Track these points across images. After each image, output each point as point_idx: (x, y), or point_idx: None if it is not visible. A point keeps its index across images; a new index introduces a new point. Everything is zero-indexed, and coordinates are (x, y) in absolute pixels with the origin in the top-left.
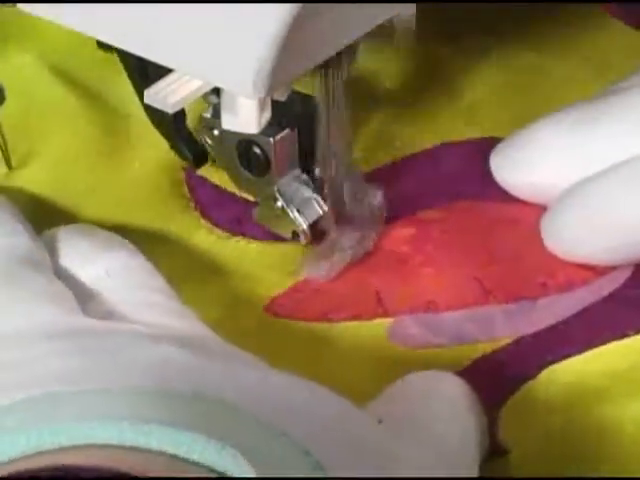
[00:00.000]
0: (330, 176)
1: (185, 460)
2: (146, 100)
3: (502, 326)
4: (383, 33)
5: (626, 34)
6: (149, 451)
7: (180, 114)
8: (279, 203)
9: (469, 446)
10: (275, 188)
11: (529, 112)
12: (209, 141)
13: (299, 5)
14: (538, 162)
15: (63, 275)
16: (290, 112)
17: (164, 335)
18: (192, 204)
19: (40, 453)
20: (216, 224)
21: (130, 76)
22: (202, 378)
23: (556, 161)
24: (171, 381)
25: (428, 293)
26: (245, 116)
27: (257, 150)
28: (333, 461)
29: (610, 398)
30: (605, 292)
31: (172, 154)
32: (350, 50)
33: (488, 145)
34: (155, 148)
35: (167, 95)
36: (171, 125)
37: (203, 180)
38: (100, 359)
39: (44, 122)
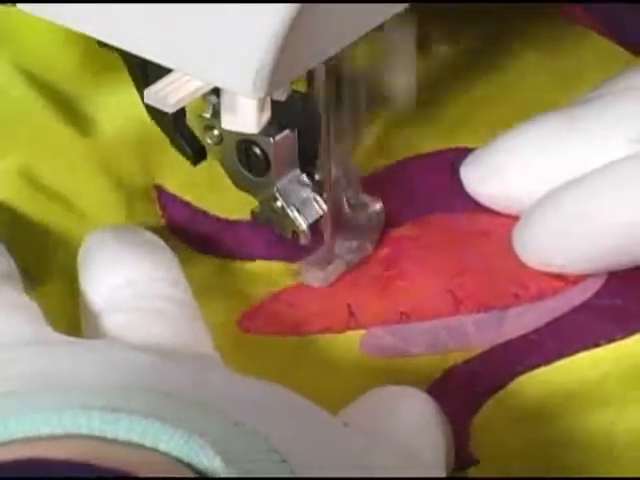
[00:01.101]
0: (330, 177)
1: (153, 449)
2: (146, 100)
3: (474, 336)
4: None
5: (599, 45)
6: (116, 441)
7: (180, 112)
8: (279, 203)
9: (438, 458)
10: (275, 188)
11: (497, 123)
12: (209, 141)
13: (299, 5)
14: (509, 172)
15: (86, 285)
16: (290, 112)
17: (144, 347)
18: (163, 221)
19: (6, 444)
20: (187, 242)
21: (132, 75)
22: (173, 380)
23: (527, 171)
24: (140, 382)
25: (400, 305)
26: (245, 116)
27: (257, 150)
28: (300, 459)
29: (580, 408)
30: (577, 302)
31: (143, 167)
32: (350, 49)
33: (456, 156)
34: (126, 159)
35: (167, 95)
36: (171, 123)
37: (174, 198)
38: (69, 361)
39: (14, 127)
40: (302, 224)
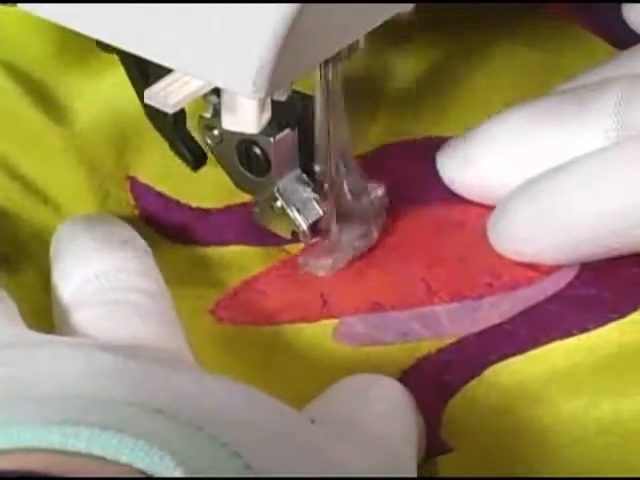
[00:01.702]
0: (330, 173)
1: (115, 462)
2: (146, 100)
3: (447, 325)
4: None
5: (582, 38)
6: (78, 454)
7: (180, 115)
8: (279, 203)
9: (409, 446)
10: (275, 188)
11: (477, 113)
12: (209, 141)
13: (299, 5)
14: (485, 161)
15: (56, 279)
16: (290, 112)
17: (108, 345)
18: (137, 212)
19: None
20: (160, 231)
21: (130, 76)
22: (136, 384)
23: (503, 160)
24: (103, 388)
25: (373, 294)
26: (245, 116)
27: (257, 150)
28: (265, 463)
29: (553, 397)
30: (550, 292)
31: (117, 157)
32: (351, 49)
33: (429, 144)
34: (100, 150)
35: (167, 95)
36: (170, 126)
37: (148, 188)
38: (33, 368)
39: None
40: (302, 224)
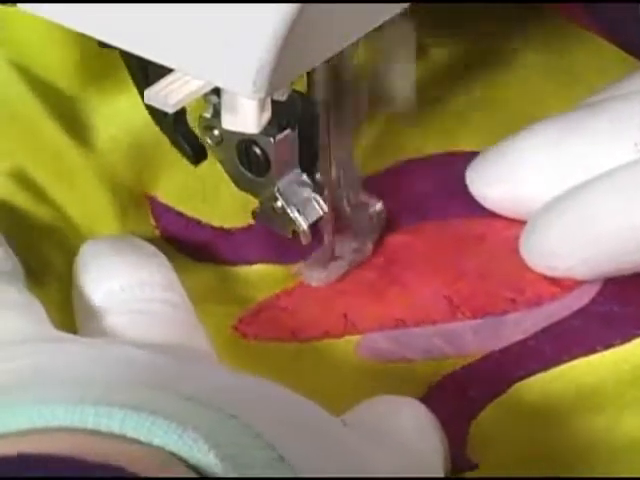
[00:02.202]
0: (330, 177)
1: (147, 444)
2: (146, 100)
3: (471, 342)
4: (384, 102)
5: (598, 46)
6: (111, 435)
7: (180, 112)
8: (279, 203)
9: (437, 455)
10: (275, 188)
11: (494, 125)
12: (209, 141)
13: (299, 5)
14: (516, 176)
15: (84, 288)
16: (290, 112)
17: (139, 344)
18: (157, 232)
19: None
20: (182, 251)
21: (132, 76)
22: (167, 374)
23: (534, 174)
24: (134, 375)
25: (396, 311)
26: (245, 116)
27: (257, 150)
28: (298, 457)
29: (578, 414)
30: (574, 308)
31: (136, 177)
32: (351, 50)
33: (453, 160)
34: (120, 169)
35: (167, 95)
36: (171, 123)
37: (168, 208)
38: (65, 357)
39: (9, 127)
40: (302, 224)
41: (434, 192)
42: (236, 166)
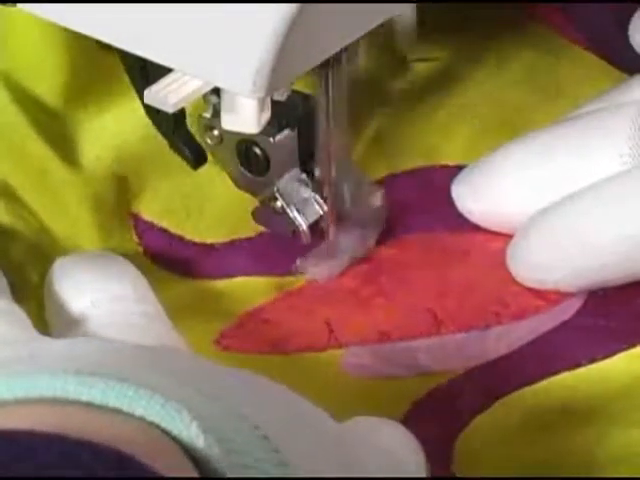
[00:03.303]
0: (330, 177)
1: (130, 415)
2: (146, 100)
3: (454, 357)
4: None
5: (582, 59)
6: (93, 405)
7: (180, 114)
8: (279, 203)
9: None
10: (275, 188)
11: (476, 138)
12: (209, 141)
13: (299, 5)
14: (502, 189)
15: (56, 306)
16: (290, 112)
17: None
18: (140, 249)
19: None
20: (165, 267)
21: (131, 76)
22: (154, 362)
23: (520, 188)
24: (120, 356)
25: (380, 323)
26: (245, 116)
27: (257, 150)
28: (285, 441)
29: (563, 429)
30: (558, 321)
31: (120, 196)
32: (351, 50)
33: (436, 174)
34: (104, 184)
35: (167, 95)
36: (171, 126)
37: (151, 225)
38: (52, 345)
39: None
40: (302, 224)
41: (419, 205)
42: (236, 166)
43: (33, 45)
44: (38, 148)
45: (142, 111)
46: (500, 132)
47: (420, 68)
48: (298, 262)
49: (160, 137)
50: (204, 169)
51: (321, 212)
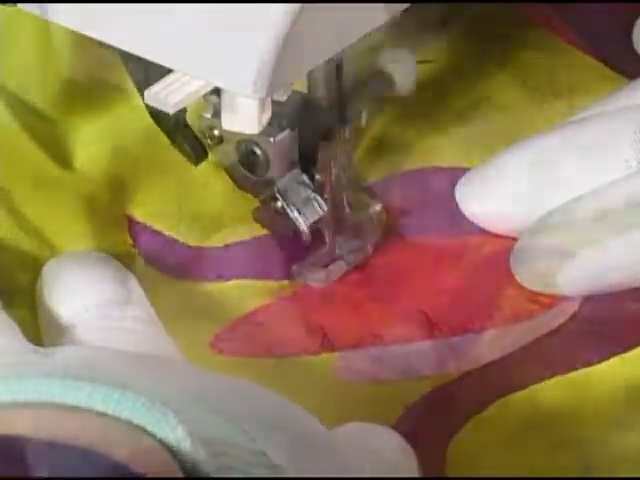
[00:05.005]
0: (331, 182)
1: (116, 418)
2: (146, 100)
3: (449, 360)
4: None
5: (581, 62)
6: (78, 408)
7: (181, 112)
8: (279, 203)
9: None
10: (275, 188)
11: (474, 141)
12: (209, 141)
13: (299, 5)
14: (505, 192)
15: (48, 310)
16: (290, 112)
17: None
18: (135, 251)
19: None
20: (160, 269)
21: (131, 77)
22: (142, 370)
23: (524, 191)
24: (109, 362)
25: (373, 326)
26: (245, 116)
27: (257, 150)
28: (273, 446)
29: (558, 432)
30: (553, 325)
31: (114, 198)
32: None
33: (432, 176)
34: (98, 187)
35: (168, 95)
36: (172, 122)
37: (145, 227)
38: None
39: None
40: (302, 224)
41: (414, 208)
42: (236, 166)
43: (28, 48)
44: (32, 151)
45: (137, 114)
46: (499, 135)
47: (420, 69)
48: (294, 268)
49: (154, 139)
50: (199, 172)
51: (321, 212)
